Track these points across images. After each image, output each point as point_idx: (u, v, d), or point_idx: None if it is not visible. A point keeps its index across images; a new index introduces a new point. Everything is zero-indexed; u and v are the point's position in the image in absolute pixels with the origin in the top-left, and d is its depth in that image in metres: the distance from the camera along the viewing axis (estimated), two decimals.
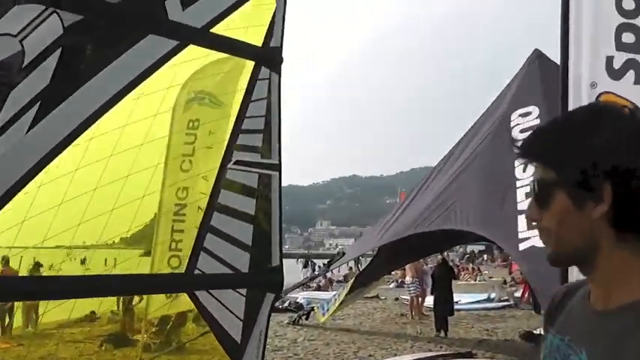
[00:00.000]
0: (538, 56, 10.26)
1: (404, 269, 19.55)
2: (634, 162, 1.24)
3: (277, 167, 2.75)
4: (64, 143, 1.96)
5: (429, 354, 11.23)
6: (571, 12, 4.16)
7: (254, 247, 2.61)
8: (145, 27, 2.22)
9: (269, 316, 2.67)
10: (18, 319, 2.29)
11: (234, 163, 2.57)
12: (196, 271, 2.38)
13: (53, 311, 2.29)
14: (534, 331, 13.39)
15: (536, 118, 9.38)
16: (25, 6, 1.87)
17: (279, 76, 2.79)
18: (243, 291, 2.56)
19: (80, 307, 2.35)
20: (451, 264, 19.94)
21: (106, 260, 2.26)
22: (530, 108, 9.77)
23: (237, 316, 2.53)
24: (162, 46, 2.26)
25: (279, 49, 2.77)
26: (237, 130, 2.59)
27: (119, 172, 2.14)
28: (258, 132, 2.68)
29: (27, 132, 1.85)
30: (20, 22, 1.86)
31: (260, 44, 2.70)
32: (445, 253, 19.04)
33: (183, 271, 2.37)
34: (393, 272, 23.28)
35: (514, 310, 18.70)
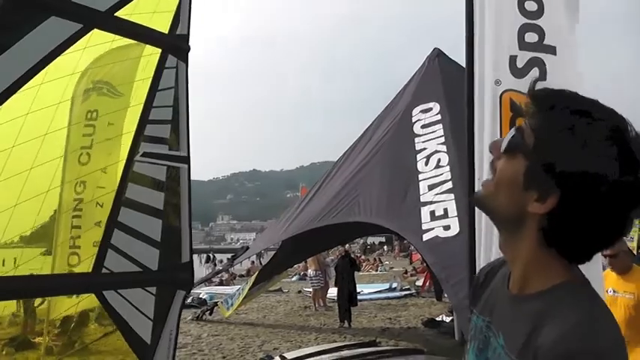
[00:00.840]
0: (438, 54, 10.57)
1: (306, 262, 19.71)
2: (596, 192, 1.20)
3: (186, 160, 2.67)
4: None
5: (334, 345, 11.35)
6: (475, 13, 4.32)
7: (163, 243, 2.52)
8: (47, 8, 2.09)
9: (179, 314, 2.59)
10: None
11: (142, 155, 2.46)
12: (104, 270, 2.26)
13: None
14: (436, 318, 13.84)
15: (437, 114, 9.68)
16: None
17: (187, 65, 2.71)
18: (153, 289, 2.47)
19: None
20: (353, 256, 20.23)
21: (3, 261, 2.11)
22: (431, 104, 10.06)
23: (146, 316, 2.44)
24: (65, 29, 2.14)
25: (186, 37, 2.69)
26: (143, 121, 2.48)
27: (21, 166, 2.00)
28: (165, 122, 2.59)
29: None
30: None
31: (166, 31, 2.61)
32: (347, 245, 19.33)
33: (89, 270, 2.23)
34: (295, 265, 23.40)
35: (415, 298, 19.24)
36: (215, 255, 44.52)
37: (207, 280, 19.15)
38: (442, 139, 9.57)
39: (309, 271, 18.39)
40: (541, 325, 1.22)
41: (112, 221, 2.33)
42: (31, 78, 2.02)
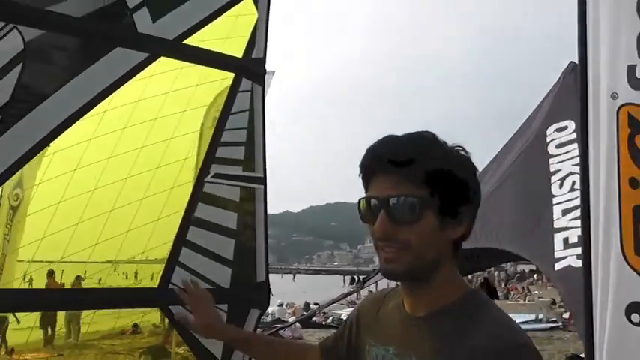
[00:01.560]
0: (573, 68, 10.08)
1: None
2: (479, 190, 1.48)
3: (261, 181, 2.75)
4: (27, 156, 2.01)
5: None
6: (588, 22, 4.08)
7: (236, 262, 2.61)
8: (112, 40, 2.26)
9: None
10: (60, 330, 2.35)
11: (213, 177, 2.57)
12: (170, 286, 2.38)
13: (95, 323, 2.34)
14: (580, 355, 13.10)
15: (573, 132, 9.22)
16: None
17: (263, 88, 2.80)
18: (224, 307, 2.55)
19: (124, 319, 2.41)
20: (500, 283, 19.74)
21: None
22: (566, 122, 9.60)
23: None
24: (130, 59, 2.30)
25: (261, 60, 2.79)
26: (215, 143, 2.60)
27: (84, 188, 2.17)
28: (239, 145, 2.69)
29: None
30: None
31: (240, 55, 2.72)
32: (495, 272, 18.95)
33: (155, 285, 2.36)
34: None
35: (561, 331, 18.36)
36: (361, 277, 44.78)
37: (336, 301, 19.35)
38: (577, 160, 9.09)
39: None
40: (462, 335, 1.35)
41: (180, 239, 2.43)
42: (96, 105, 2.17)
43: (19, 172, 2.12)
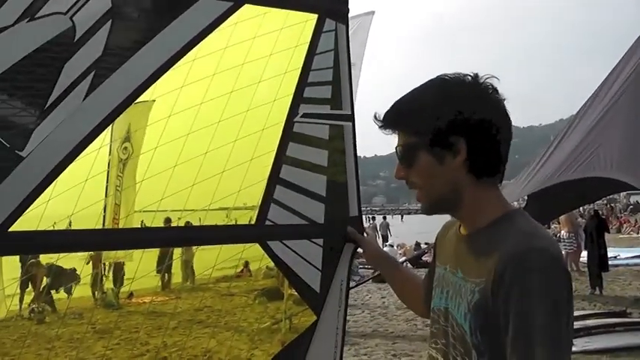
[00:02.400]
0: None
1: (558, 222, 18.84)
2: (480, 120, 1.63)
3: (349, 117, 2.80)
4: (123, 105, 2.13)
5: (580, 312, 10.76)
6: None
7: (329, 198, 2.69)
8: None
9: (350, 266, 2.73)
10: (177, 275, 2.54)
11: (302, 116, 2.64)
12: (267, 222, 2.49)
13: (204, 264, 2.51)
14: None
15: None
16: None
17: (347, 27, 2.82)
18: (320, 241, 2.65)
19: (232, 263, 2.56)
20: (613, 216, 18.89)
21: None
22: None
23: (314, 266, 2.63)
24: (215, 8, 2.37)
25: (344, 0, 2.79)
26: (302, 84, 2.66)
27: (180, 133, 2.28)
28: (326, 84, 2.74)
29: (84, 99, 2.03)
30: (69, 1, 2.02)
31: None
32: (607, 204, 18.17)
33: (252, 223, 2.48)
34: (553, 226, 22.36)
35: None
36: None
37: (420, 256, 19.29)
38: None
39: (562, 232, 17.53)
40: (494, 247, 1.57)
41: (274, 177, 2.52)
42: (185, 55, 2.26)
43: (126, 126, 2.24)
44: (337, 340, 2.69)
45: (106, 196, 2.25)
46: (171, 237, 2.35)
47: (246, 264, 2.63)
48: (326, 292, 2.67)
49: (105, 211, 2.26)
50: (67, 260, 2.20)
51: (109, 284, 2.38)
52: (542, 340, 1.38)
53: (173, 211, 2.31)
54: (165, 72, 2.23)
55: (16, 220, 1.90)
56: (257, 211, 2.51)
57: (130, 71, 2.16)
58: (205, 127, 2.35)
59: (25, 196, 1.91)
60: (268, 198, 2.53)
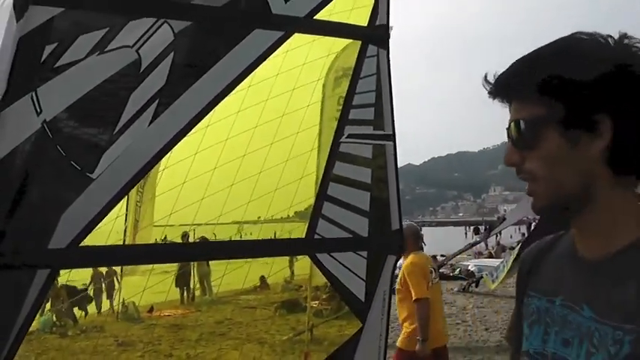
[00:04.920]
0: None
1: None
2: (634, 94, 1.07)
3: (391, 137, 2.77)
4: (184, 130, 2.12)
5: None
6: None
7: (372, 212, 2.66)
8: (250, 23, 2.31)
9: (392, 277, 2.69)
10: (197, 289, 2.54)
11: (347, 137, 2.61)
12: (316, 236, 2.46)
13: (226, 280, 2.49)
14: None
15: None
16: (138, 20, 2.04)
17: (388, 52, 2.79)
18: (364, 254, 2.61)
19: (253, 276, 2.53)
20: None
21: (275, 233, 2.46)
22: None
23: (359, 277, 2.60)
24: (267, 38, 2.35)
25: (385, 27, 2.78)
26: (347, 106, 2.64)
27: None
28: (369, 106, 2.73)
29: (149, 125, 2.03)
30: (135, 34, 2.04)
31: (365, 24, 2.70)
32: None
33: (303, 236, 2.45)
34: None
35: None
36: (483, 227, 43.29)
37: (462, 252, 18.83)
38: None
39: None
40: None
41: (322, 194, 2.49)
42: (240, 83, 2.24)
43: None
44: (380, 345, 2.65)
45: (127, 211, 2.25)
46: (227, 249, 2.34)
47: (263, 278, 2.61)
48: (370, 300, 2.62)
49: (126, 226, 2.26)
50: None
51: (129, 297, 2.38)
52: None
53: (234, 222, 2.30)
54: (223, 99, 2.22)
55: (85, 237, 1.90)
56: (307, 226, 2.48)
57: (190, 99, 2.16)
58: (260, 148, 2.34)
59: (95, 214, 1.92)
60: (317, 213, 2.50)
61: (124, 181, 1.99)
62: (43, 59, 1.85)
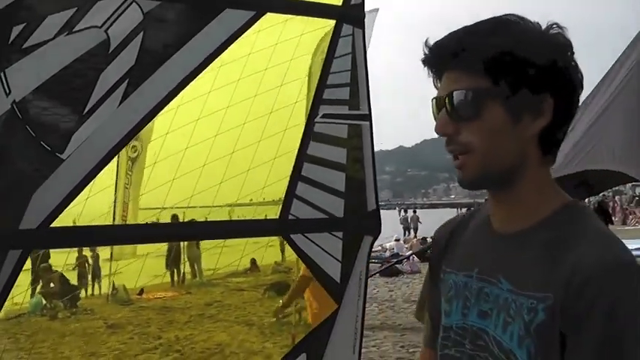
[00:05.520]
0: None
1: None
2: (572, 78, 1.15)
3: (367, 117, 2.80)
4: (154, 111, 2.14)
5: None
6: None
7: (348, 193, 2.68)
8: (221, 2, 2.33)
9: (368, 257, 2.74)
10: (187, 271, 2.58)
11: (322, 117, 2.63)
12: (290, 217, 2.49)
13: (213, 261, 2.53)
14: None
15: None
16: (107, 0, 2.05)
17: (363, 31, 2.81)
18: (339, 234, 2.65)
19: (245, 259, 2.58)
20: (617, 208, 18.54)
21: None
22: None
23: (335, 257, 2.63)
24: (239, 18, 2.37)
25: (360, 6, 2.79)
26: (322, 86, 2.65)
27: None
28: (344, 85, 2.74)
29: (118, 106, 2.05)
30: (104, 14, 2.05)
31: (340, 3, 2.73)
32: (614, 197, 17.81)
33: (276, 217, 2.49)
34: None
35: None
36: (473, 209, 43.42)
37: (426, 250, 19.05)
38: None
39: None
40: (564, 251, 1.10)
41: (296, 175, 2.52)
42: (211, 63, 2.26)
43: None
44: (357, 327, 2.69)
45: (115, 193, 2.28)
46: (197, 231, 2.37)
47: (254, 261, 2.65)
48: (346, 282, 2.67)
49: (115, 207, 2.29)
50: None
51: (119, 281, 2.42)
52: None
53: (203, 207, 2.33)
54: (194, 79, 2.24)
55: (57, 217, 1.93)
56: (280, 207, 2.52)
57: (160, 79, 2.18)
58: (231, 129, 2.36)
59: (65, 195, 1.94)
60: (291, 194, 2.54)
61: (94, 161, 2.00)
62: (11, 40, 1.86)
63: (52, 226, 1.92)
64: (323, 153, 2.65)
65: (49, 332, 2.30)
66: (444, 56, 1.18)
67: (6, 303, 1.94)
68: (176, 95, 2.20)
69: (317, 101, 2.64)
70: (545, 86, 1.13)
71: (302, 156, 2.58)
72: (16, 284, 1.97)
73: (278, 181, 2.50)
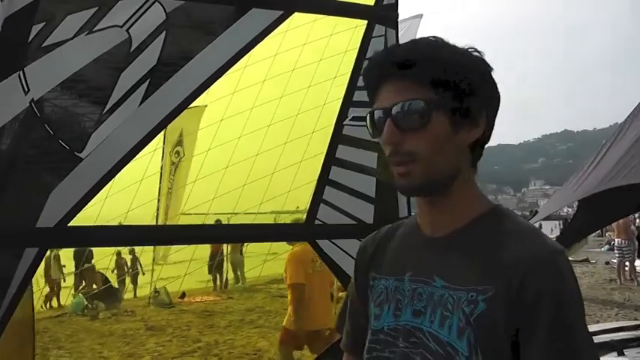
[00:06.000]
0: None
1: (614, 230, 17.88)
2: (497, 96, 1.27)
3: None
4: (176, 111, 2.13)
5: (633, 322, 10.16)
6: None
7: (378, 198, 2.61)
8: (247, 2, 2.31)
9: None
10: (230, 277, 2.58)
11: (351, 119, 2.58)
12: (316, 222, 2.44)
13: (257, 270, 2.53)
14: None
15: None
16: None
17: (397, 31, 2.75)
18: None
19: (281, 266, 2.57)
20: None
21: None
22: None
23: None
24: (265, 18, 2.34)
25: (393, 5, 2.73)
26: (352, 88, 2.60)
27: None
28: None
29: (139, 105, 2.04)
30: (126, 14, 2.05)
31: (373, 3, 2.68)
32: None
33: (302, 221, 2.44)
34: (607, 234, 21.28)
35: None
36: None
37: None
38: None
39: (617, 240, 16.51)
40: (498, 248, 1.19)
41: (323, 179, 2.47)
42: (235, 64, 2.24)
43: (178, 131, 2.25)
44: None
45: (159, 196, 2.27)
46: (225, 234, 2.34)
47: None
48: None
49: (158, 211, 2.28)
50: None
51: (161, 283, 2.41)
52: (585, 347, 1.16)
53: (223, 214, 2.31)
54: (218, 79, 2.22)
55: (74, 217, 1.93)
56: (307, 211, 2.47)
57: (183, 79, 2.16)
58: (256, 130, 2.33)
59: (83, 194, 1.94)
60: (317, 198, 2.48)
61: (113, 160, 1.99)
62: (30, 39, 1.86)
63: (69, 224, 1.92)
64: (352, 157, 2.58)
65: (89, 332, 2.32)
66: (393, 66, 1.22)
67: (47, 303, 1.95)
68: (199, 96, 2.19)
69: (346, 103, 2.59)
70: (481, 99, 1.23)
71: (330, 159, 2.53)
72: (63, 285, 1.98)
73: (304, 185, 2.46)
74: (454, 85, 1.19)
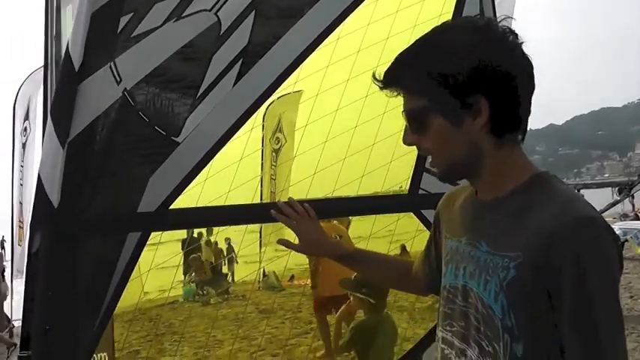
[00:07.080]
0: None
1: None
2: (501, 71, 1.27)
3: None
4: (270, 90, 2.14)
5: None
6: None
7: None
8: None
9: None
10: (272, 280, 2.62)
11: None
12: (420, 191, 2.38)
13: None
14: None
15: None
16: None
17: None
18: None
19: (394, 244, 2.56)
20: None
21: None
22: None
23: None
24: None
25: None
26: None
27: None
28: None
29: (233, 86, 2.07)
30: None
31: None
32: None
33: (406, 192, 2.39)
34: None
35: None
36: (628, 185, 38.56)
37: (602, 212, 17.07)
38: None
39: None
40: (531, 215, 1.27)
41: None
42: (327, 36, 2.22)
43: (277, 118, 2.27)
44: None
45: (261, 184, 2.29)
46: (327, 208, 2.31)
47: (404, 247, 2.59)
48: None
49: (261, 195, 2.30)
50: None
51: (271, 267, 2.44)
52: (605, 315, 1.20)
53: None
54: (311, 54, 2.20)
55: (174, 200, 1.97)
56: (409, 181, 2.41)
57: (275, 57, 2.14)
58: (353, 102, 2.30)
59: (182, 177, 1.98)
60: (420, 167, 2.41)
61: (210, 143, 2.00)
62: (119, 30, 1.88)
63: (170, 207, 1.98)
64: None
65: (201, 317, 2.41)
66: (388, 84, 1.37)
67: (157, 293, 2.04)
68: (292, 72, 2.18)
69: None
70: (474, 90, 1.28)
71: None
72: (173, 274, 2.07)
73: (406, 154, 2.40)
74: (438, 88, 1.28)
